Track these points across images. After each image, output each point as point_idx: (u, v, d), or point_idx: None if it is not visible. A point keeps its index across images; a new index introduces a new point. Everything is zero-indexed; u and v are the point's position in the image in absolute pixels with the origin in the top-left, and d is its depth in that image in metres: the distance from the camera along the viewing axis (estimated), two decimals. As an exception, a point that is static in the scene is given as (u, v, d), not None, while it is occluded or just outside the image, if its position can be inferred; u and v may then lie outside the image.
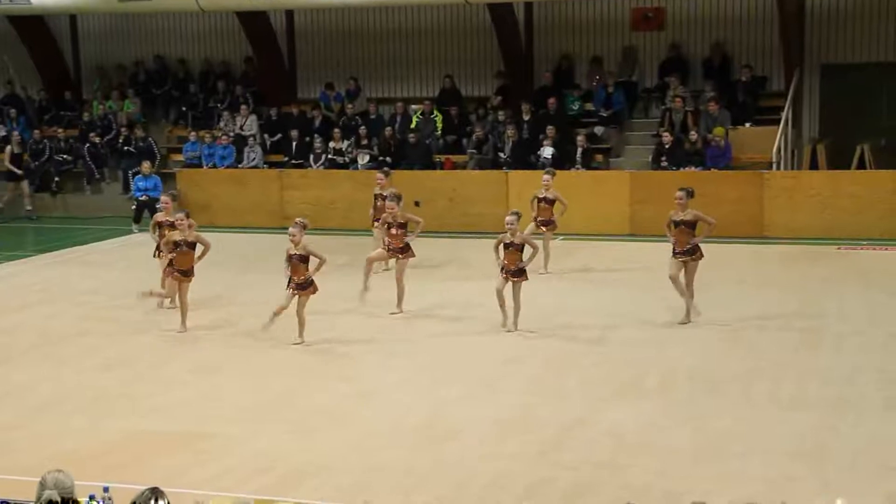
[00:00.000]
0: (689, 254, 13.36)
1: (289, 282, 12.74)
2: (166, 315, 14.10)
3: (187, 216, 13.78)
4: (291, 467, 8.90)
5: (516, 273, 13.05)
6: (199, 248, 13.66)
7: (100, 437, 9.71)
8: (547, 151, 20.91)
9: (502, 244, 13.14)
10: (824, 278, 15.84)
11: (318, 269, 12.71)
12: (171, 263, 13.61)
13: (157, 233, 14.79)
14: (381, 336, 13.14)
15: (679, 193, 13.50)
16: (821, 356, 11.95)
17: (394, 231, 14.41)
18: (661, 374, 11.37)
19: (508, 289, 13.10)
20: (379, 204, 16.52)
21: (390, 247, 14.48)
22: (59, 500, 5.30)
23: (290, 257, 12.72)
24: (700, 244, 13.46)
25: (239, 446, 9.42)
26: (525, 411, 10.25)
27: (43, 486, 5.36)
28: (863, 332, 12.86)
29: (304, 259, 12.65)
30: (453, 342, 12.91)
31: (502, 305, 13.15)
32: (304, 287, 12.67)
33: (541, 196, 16.52)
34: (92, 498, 5.67)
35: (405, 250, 14.41)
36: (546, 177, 16.68)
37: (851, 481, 8.35)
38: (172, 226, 14.06)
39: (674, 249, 13.46)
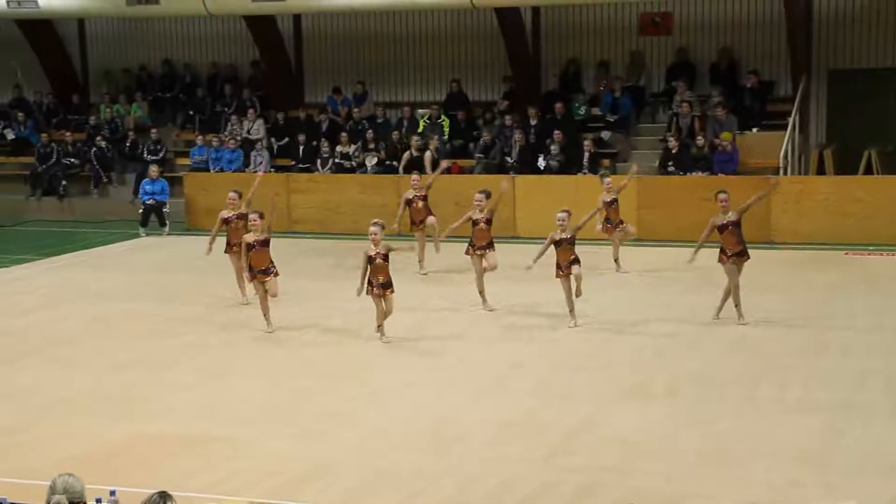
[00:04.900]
0: (741, 255, 13.39)
1: (370, 285, 12.67)
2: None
3: (261, 217, 13.61)
4: (298, 470, 8.91)
5: (574, 263, 13.27)
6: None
7: (106, 439, 9.73)
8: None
9: (553, 242, 13.34)
10: (831, 283, 15.80)
11: None
12: (250, 268, 13.49)
13: (223, 228, 14.93)
14: (390, 339, 13.13)
15: (723, 196, 13.48)
16: (827, 360, 11.93)
17: (482, 226, 14.51)
18: (667, 377, 11.37)
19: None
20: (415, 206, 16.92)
21: (477, 245, 14.52)
22: (67, 504, 5.30)
23: (371, 258, 12.58)
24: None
25: (246, 449, 9.44)
26: (531, 415, 10.27)
27: (52, 490, 5.35)
28: (870, 336, 12.83)
29: (387, 258, 12.67)
30: (460, 346, 12.91)
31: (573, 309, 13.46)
32: (389, 286, 12.69)
33: (608, 199, 16.46)
34: (98, 501, 5.67)
35: (492, 245, 14.62)
36: (607, 180, 16.77)
37: (857, 486, 8.32)
38: (239, 219, 14.41)
39: (724, 252, 13.41)
